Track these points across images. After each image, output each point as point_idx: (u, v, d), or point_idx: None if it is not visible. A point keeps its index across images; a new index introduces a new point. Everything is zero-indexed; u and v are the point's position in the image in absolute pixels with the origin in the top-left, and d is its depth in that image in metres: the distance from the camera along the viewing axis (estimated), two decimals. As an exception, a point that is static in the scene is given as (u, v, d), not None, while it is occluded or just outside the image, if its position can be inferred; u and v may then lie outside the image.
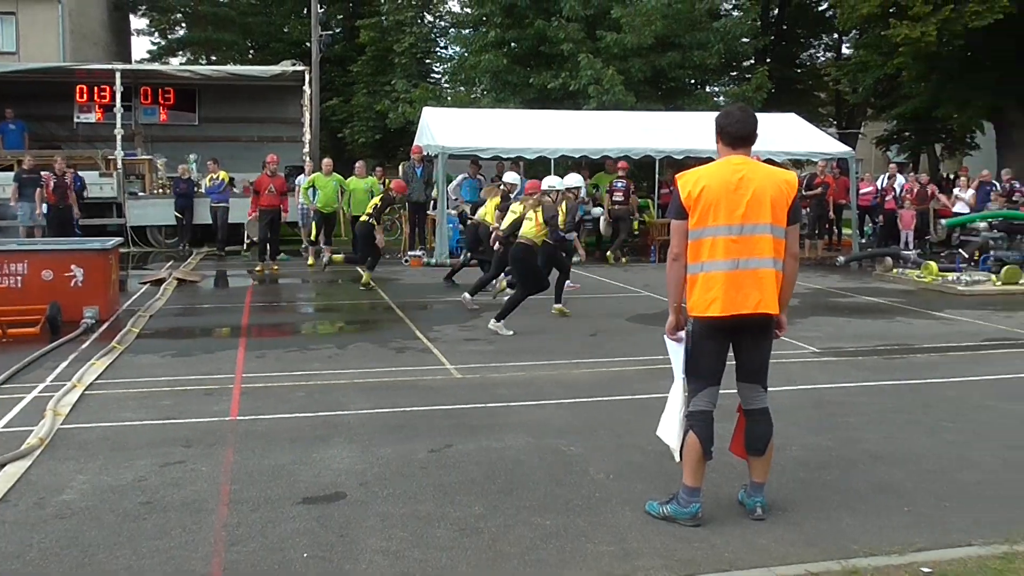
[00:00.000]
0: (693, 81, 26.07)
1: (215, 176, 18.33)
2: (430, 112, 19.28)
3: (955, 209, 19.40)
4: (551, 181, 11.25)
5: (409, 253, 17.17)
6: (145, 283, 13.70)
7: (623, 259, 17.63)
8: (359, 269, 14.20)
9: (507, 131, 17.96)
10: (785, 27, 36.25)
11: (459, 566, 4.10)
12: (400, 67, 30.56)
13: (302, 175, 18.05)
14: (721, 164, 4.56)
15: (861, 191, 19.93)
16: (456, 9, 34.18)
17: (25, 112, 20.34)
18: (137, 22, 38.63)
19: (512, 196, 12.80)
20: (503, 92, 24.21)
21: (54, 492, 4.96)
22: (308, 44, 28.37)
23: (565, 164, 19.18)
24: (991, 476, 5.35)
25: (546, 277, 10.52)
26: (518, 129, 18.17)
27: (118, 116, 19.28)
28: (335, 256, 14.62)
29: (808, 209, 19.08)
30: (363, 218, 13.97)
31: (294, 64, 21.71)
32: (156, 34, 39.32)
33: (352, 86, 32.98)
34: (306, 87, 20.67)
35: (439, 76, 34.72)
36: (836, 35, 37.11)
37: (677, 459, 4.65)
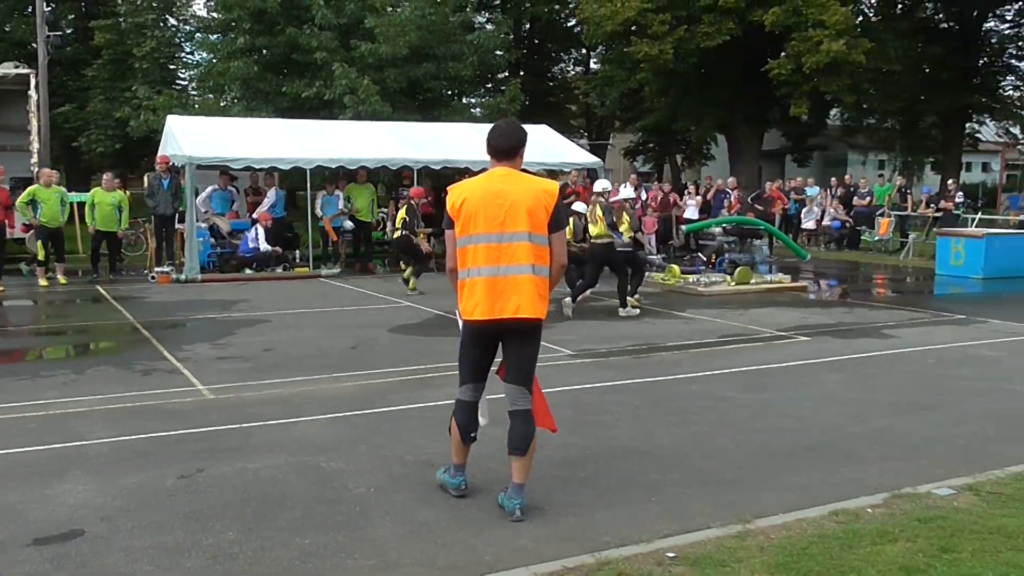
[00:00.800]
0: (449, 92, 26.51)
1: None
2: (175, 120, 18.35)
3: (686, 215, 21.16)
4: (604, 185, 13.29)
5: (156, 269, 16.25)
6: None
7: (383, 270, 17.73)
8: (402, 277, 14.71)
9: (260, 141, 17.45)
10: (536, 41, 37.70)
11: (211, 596, 3.92)
12: (141, 72, 28.90)
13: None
14: (485, 176, 4.85)
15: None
16: (202, 13, 32.89)
17: None
18: None
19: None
20: (255, 100, 23.51)
21: None
22: (34, 45, 26.19)
23: (321, 174, 18.92)
24: (730, 462, 5.79)
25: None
26: (271, 139, 17.71)
27: None
28: (412, 281, 14.45)
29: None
30: (396, 234, 14.78)
31: (17, 66, 19.95)
32: None
33: (87, 91, 30.80)
34: (32, 92, 19.06)
35: (185, 83, 33.22)
36: (584, 50, 38.98)
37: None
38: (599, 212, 12.23)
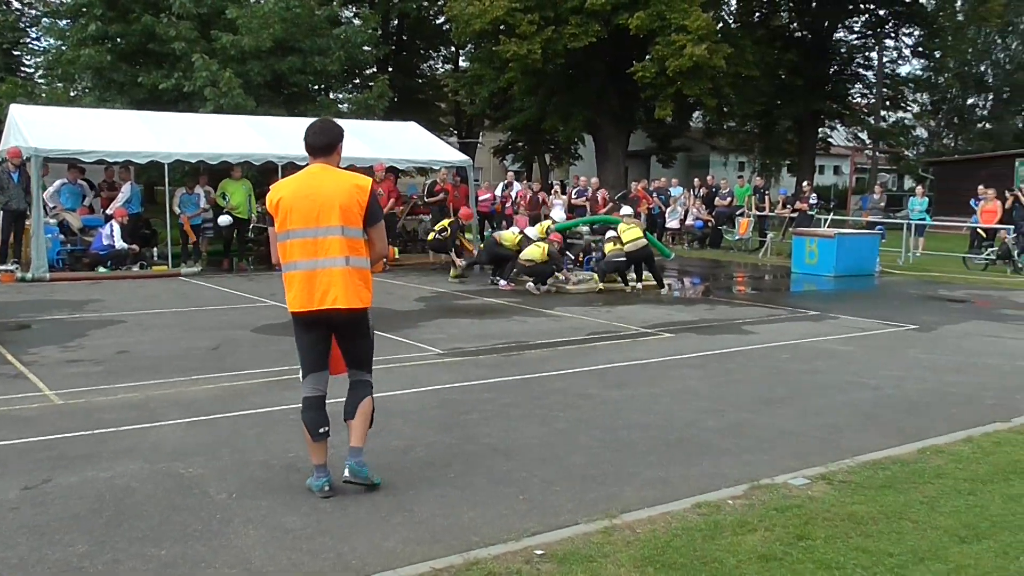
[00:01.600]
0: (316, 87, 26.07)
1: None
2: (19, 110, 17.35)
3: (552, 214, 21.40)
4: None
5: (0, 267, 15.33)
6: None
7: (250, 268, 17.30)
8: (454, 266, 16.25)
9: (114, 133, 16.71)
10: (405, 38, 37.51)
11: (58, 613, 3.73)
12: (-19, 58, 27.33)
13: None
14: (302, 173, 5.12)
15: (480, 198, 21.11)
16: (50, -4, 31.25)
17: None
18: None
19: None
20: (108, 91, 22.59)
21: None
22: None
23: (181, 169, 18.28)
24: (594, 457, 5.89)
25: None
26: (127, 131, 16.98)
27: None
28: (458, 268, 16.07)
29: (431, 216, 19.90)
30: (431, 237, 16.50)
31: None
32: None
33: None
34: None
35: (31, 70, 31.53)
36: (453, 48, 39.04)
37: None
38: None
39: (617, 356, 9.41)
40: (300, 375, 5.16)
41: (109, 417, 6.70)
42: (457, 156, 20.71)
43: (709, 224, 24.21)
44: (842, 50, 37.89)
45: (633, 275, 15.51)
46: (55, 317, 11.42)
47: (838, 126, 41.03)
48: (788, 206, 24.10)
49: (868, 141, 41.43)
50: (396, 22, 36.28)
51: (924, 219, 22.49)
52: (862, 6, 35.86)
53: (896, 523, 4.73)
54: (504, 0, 25.82)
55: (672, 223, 24.53)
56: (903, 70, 41.62)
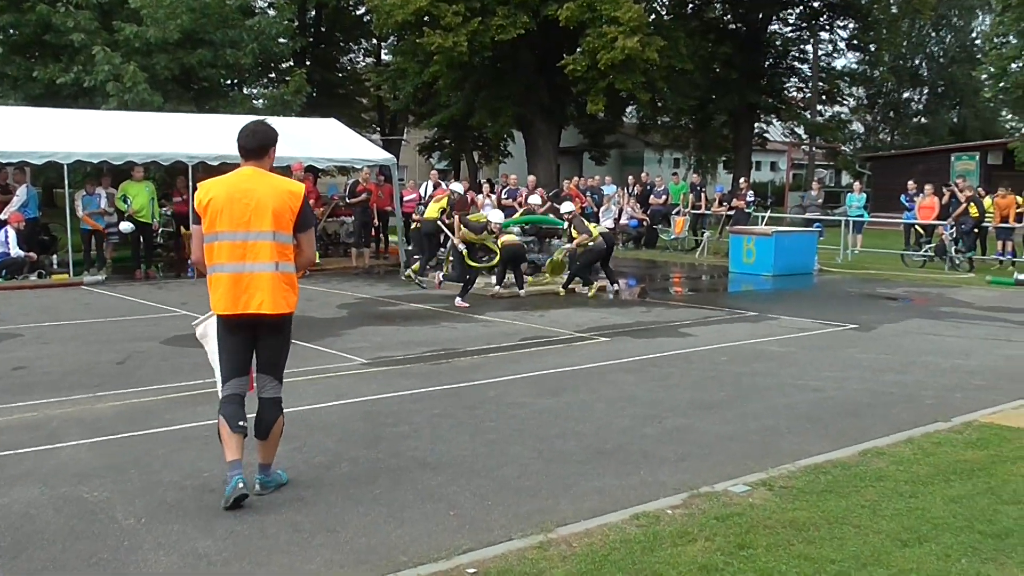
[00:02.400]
0: (228, 81, 25.66)
1: None
2: (-101, 106, 16.77)
3: (488, 216, 21.25)
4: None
5: None
6: None
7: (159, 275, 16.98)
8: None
9: (7, 131, 16.18)
10: (324, 29, 37.16)
11: (-52, 655, 3.59)
12: None
13: None
14: (234, 175, 5.21)
15: (405, 198, 20.98)
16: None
17: None
18: None
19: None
20: (0, 86, 21.89)
21: None
22: None
23: (82, 171, 17.85)
24: (527, 469, 5.89)
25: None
26: (21, 129, 16.45)
27: None
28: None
29: (353, 217, 19.74)
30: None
31: None
32: None
33: None
34: None
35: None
36: (375, 40, 38.81)
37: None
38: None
39: (551, 362, 9.44)
40: (218, 384, 5.26)
41: (4, 439, 6.49)
42: (380, 154, 20.57)
43: (644, 223, 24.46)
44: (777, 43, 38.73)
45: (602, 272, 15.48)
46: (-56, 331, 11.05)
47: (774, 121, 41.88)
48: (725, 204, 24.48)
49: (805, 136, 42.37)
50: (313, 13, 35.92)
51: (862, 216, 23.08)
52: (796, -3, 36.76)
53: (838, 529, 4.83)
54: (427, -10, 25.79)
55: (606, 223, 24.60)
56: (838, 63, 42.73)
